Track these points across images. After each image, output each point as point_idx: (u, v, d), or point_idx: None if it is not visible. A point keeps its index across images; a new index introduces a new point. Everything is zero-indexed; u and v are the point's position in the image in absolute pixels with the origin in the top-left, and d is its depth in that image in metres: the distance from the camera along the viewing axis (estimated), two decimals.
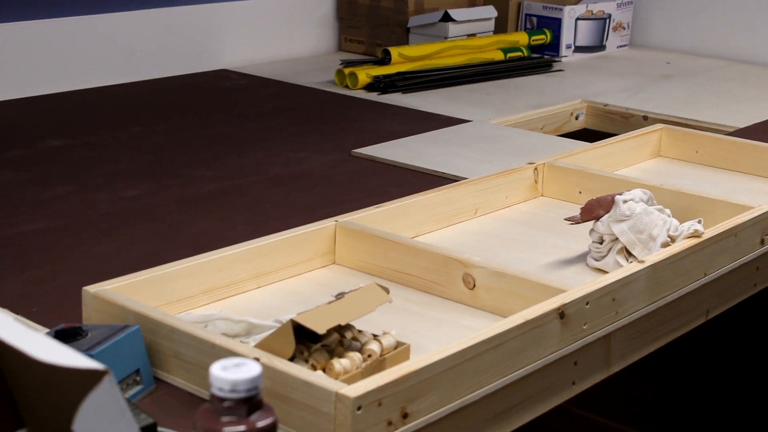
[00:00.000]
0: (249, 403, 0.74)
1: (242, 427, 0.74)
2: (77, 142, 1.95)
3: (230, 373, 0.74)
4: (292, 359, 1.01)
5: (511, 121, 2.19)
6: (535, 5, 2.88)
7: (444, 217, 1.53)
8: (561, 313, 1.15)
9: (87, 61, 2.37)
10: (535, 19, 2.88)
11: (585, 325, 1.19)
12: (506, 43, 2.75)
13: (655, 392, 2.59)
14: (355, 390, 0.93)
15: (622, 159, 1.86)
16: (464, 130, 2.08)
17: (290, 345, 1.01)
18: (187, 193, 1.67)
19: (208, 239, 1.45)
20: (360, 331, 1.10)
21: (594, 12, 2.90)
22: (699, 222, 1.40)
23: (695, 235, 1.37)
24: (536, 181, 1.68)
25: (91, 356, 0.98)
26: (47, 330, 1.08)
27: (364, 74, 2.42)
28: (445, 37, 2.71)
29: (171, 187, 1.70)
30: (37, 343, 0.72)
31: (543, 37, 2.83)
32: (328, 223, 1.39)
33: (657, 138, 1.94)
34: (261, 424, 0.75)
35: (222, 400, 0.74)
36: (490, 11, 2.83)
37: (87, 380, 0.67)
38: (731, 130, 2.12)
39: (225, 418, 0.74)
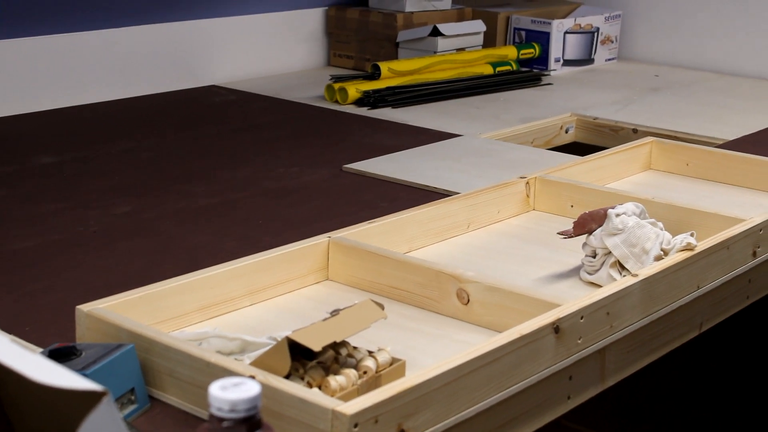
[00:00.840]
0: (248, 422, 0.74)
1: None
2: (69, 158, 1.95)
3: (229, 393, 0.74)
4: (287, 377, 1.01)
5: (501, 135, 2.19)
6: (523, 19, 2.89)
7: (437, 232, 1.53)
8: (556, 327, 1.15)
9: (78, 77, 2.37)
10: (523, 33, 2.89)
11: (579, 339, 1.20)
12: (495, 57, 2.76)
13: (648, 405, 2.59)
14: (351, 407, 0.93)
15: (613, 172, 1.86)
16: (455, 145, 2.08)
17: (286, 362, 1.01)
18: (180, 209, 1.67)
19: (201, 255, 1.45)
20: (355, 348, 1.09)
21: (582, 26, 2.91)
22: (691, 235, 1.40)
23: (688, 248, 1.37)
24: (528, 195, 1.69)
25: (86, 375, 0.97)
26: (41, 349, 1.07)
27: (354, 89, 2.43)
28: (434, 52, 2.72)
29: (163, 203, 1.69)
30: (33, 364, 0.71)
31: (532, 50, 2.84)
32: (321, 239, 1.38)
33: (647, 151, 1.95)
34: None
35: (221, 420, 0.74)
36: (479, 25, 2.84)
37: (85, 401, 0.67)
38: (721, 142, 2.13)
39: None
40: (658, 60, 3.04)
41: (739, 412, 2.50)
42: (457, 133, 2.18)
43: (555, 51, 2.86)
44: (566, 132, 2.34)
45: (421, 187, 1.78)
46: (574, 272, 1.44)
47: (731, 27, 2.91)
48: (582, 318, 1.19)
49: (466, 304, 1.28)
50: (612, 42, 3.01)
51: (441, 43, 2.73)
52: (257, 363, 1.02)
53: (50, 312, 1.27)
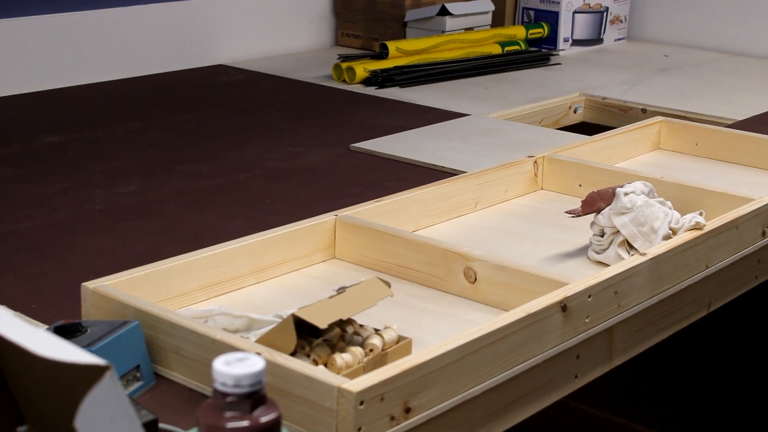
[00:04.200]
0: (252, 398, 0.73)
1: (246, 423, 0.74)
2: (74, 138, 1.94)
3: (233, 368, 0.73)
4: (293, 354, 1.01)
5: (509, 114, 2.18)
6: None
7: (444, 211, 1.53)
8: (563, 306, 1.14)
9: (83, 57, 2.36)
10: (532, 13, 2.87)
11: (587, 318, 1.19)
12: (504, 36, 2.74)
13: (655, 385, 2.59)
14: (357, 385, 0.92)
15: (621, 152, 1.85)
16: (463, 124, 2.07)
17: (292, 340, 1.00)
18: (185, 189, 1.66)
19: (206, 234, 1.44)
20: (361, 326, 1.09)
21: (591, 5, 2.89)
22: (700, 214, 1.39)
23: (696, 227, 1.37)
24: (536, 175, 1.68)
25: (91, 352, 0.97)
26: (46, 327, 1.07)
27: (362, 69, 2.42)
28: (443, 31, 2.70)
29: (169, 183, 1.69)
30: (37, 339, 0.71)
31: (540, 30, 2.82)
32: (327, 218, 1.38)
33: (656, 130, 1.94)
34: (265, 419, 0.74)
35: (225, 395, 0.73)
36: (488, 5, 2.82)
37: (89, 376, 0.66)
38: (730, 122, 2.12)
39: (228, 414, 0.73)
40: (667, 40, 3.02)
41: (748, 391, 2.49)
42: (465, 112, 2.16)
43: (564, 31, 2.84)
44: (575, 112, 2.33)
45: (429, 166, 1.77)
46: (582, 251, 1.43)
47: (741, 7, 2.89)
48: (589, 297, 1.18)
49: (473, 283, 1.27)
50: (621, 22, 3.00)
51: (449, 23, 2.71)
52: (263, 340, 1.02)
53: (56, 291, 1.26)
